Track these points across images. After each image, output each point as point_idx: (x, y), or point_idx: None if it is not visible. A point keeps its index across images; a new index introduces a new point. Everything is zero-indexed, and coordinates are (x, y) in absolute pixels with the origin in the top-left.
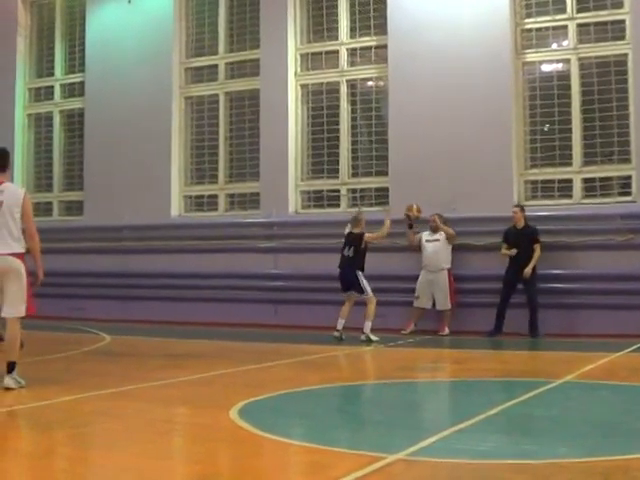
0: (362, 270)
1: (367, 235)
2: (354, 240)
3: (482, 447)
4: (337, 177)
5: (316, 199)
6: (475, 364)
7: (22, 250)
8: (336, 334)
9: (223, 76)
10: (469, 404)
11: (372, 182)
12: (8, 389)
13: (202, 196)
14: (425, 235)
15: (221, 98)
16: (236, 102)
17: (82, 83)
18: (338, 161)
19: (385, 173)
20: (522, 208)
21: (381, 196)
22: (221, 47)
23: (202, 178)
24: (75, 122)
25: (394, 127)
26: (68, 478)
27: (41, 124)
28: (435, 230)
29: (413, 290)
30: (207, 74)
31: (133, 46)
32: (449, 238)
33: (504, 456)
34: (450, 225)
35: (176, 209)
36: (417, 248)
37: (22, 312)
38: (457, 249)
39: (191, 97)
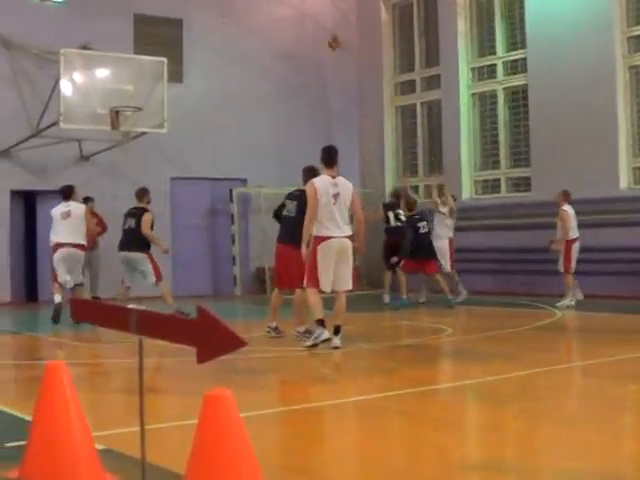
0: None
1: None
2: None
3: None
4: None
5: None
6: None
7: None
8: None
9: None
10: None
11: None
12: (336, 348)
13: None
14: None
15: None
16: None
17: (524, 59)
18: None
19: None
20: None
21: None
22: None
23: None
24: (519, 99)
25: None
26: (517, 451)
27: (485, 102)
28: None
29: None
30: None
31: (573, 19)
32: None
33: None
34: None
35: (625, 182)
36: None
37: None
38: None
39: (636, 66)
